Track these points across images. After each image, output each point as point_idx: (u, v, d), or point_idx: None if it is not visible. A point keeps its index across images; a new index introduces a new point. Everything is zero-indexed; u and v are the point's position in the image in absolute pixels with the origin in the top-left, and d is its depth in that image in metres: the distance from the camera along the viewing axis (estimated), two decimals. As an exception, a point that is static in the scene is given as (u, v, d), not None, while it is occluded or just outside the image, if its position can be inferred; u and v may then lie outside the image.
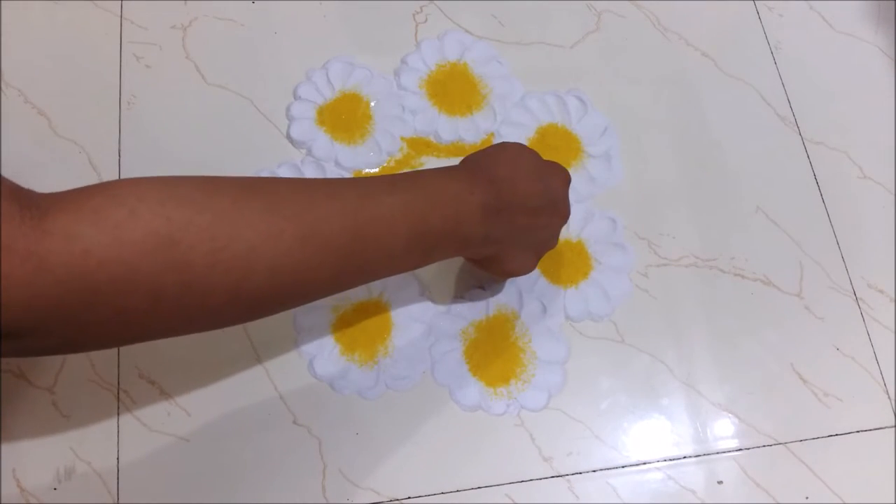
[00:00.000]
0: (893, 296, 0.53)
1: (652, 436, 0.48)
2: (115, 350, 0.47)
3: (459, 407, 0.48)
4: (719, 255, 0.53)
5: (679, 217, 0.54)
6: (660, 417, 0.49)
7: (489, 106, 0.56)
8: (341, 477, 0.46)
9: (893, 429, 0.50)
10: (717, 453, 0.48)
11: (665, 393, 0.49)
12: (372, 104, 0.55)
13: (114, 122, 0.53)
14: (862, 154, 0.57)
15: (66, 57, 0.55)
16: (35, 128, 0.52)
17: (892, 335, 0.52)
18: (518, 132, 0.55)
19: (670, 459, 0.48)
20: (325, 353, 0.48)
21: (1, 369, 0.47)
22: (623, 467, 0.47)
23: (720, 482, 0.48)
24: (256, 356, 0.48)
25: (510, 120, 0.55)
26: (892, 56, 0.61)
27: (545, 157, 0.51)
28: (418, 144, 0.54)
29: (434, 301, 0.50)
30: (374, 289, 0.50)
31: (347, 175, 0.53)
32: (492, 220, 0.40)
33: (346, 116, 0.54)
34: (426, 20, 0.58)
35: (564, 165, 0.54)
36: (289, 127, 0.54)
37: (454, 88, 0.56)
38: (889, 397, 0.51)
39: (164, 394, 0.47)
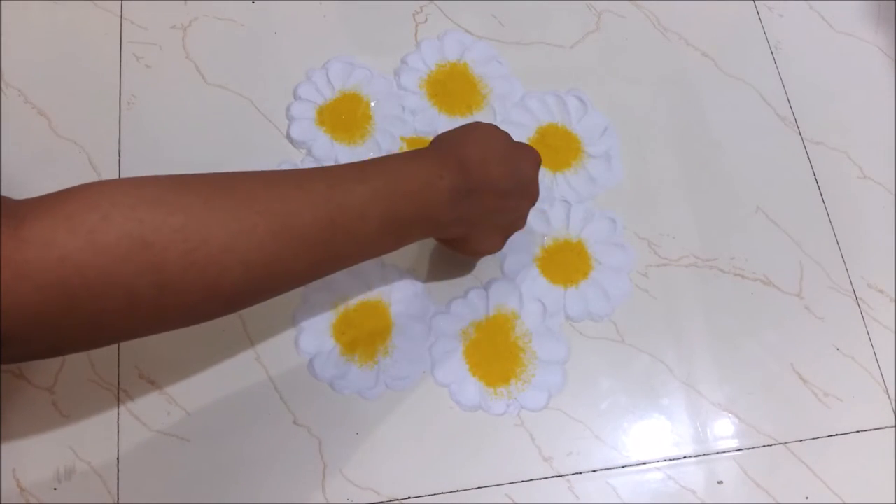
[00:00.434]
0: (893, 296, 0.53)
1: (652, 436, 0.48)
2: (114, 350, 0.47)
3: (459, 407, 0.48)
4: (719, 255, 0.53)
5: (679, 217, 0.54)
6: (660, 417, 0.49)
7: (489, 106, 0.56)
8: (341, 477, 0.46)
9: (893, 429, 0.50)
10: (717, 453, 0.48)
11: (665, 393, 0.49)
12: (372, 104, 0.55)
13: (114, 122, 0.53)
14: (862, 154, 0.57)
15: (66, 57, 0.55)
16: (35, 128, 0.52)
17: (892, 335, 0.52)
18: (518, 132, 0.55)
19: (670, 459, 0.48)
20: (325, 353, 0.48)
21: (1, 369, 0.47)
22: (623, 467, 0.47)
23: (720, 482, 0.48)
24: (256, 356, 0.48)
25: (510, 120, 0.55)
26: (892, 56, 0.61)
27: (545, 158, 0.51)
28: (418, 144, 0.54)
29: (434, 301, 0.50)
30: (374, 289, 0.50)
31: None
32: (461, 203, 0.41)
33: (346, 116, 0.54)
34: (426, 20, 0.58)
35: (564, 165, 0.55)
36: (289, 127, 0.54)
37: (454, 88, 0.56)
38: (889, 397, 0.51)
39: (164, 394, 0.47)
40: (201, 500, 0.45)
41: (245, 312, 0.48)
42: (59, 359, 0.47)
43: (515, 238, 0.48)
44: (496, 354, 0.49)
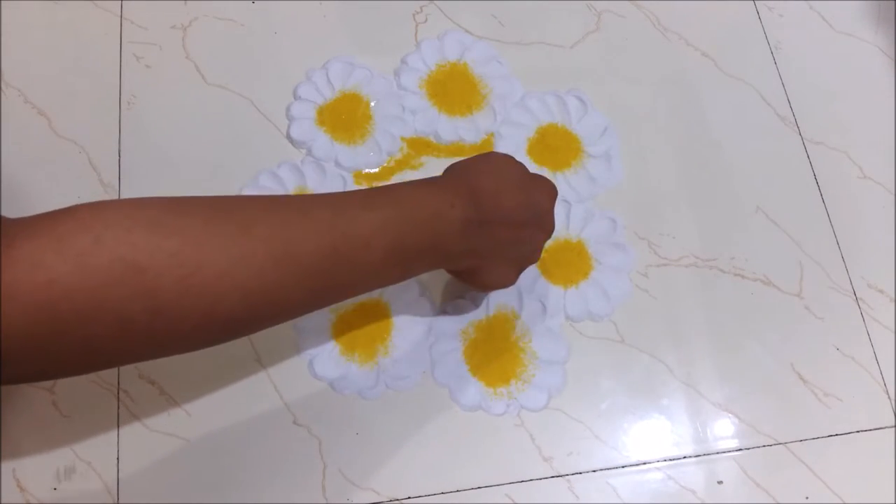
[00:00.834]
0: (893, 296, 0.53)
1: (652, 436, 0.48)
2: (115, 350, 0.47)
3: (459, 407, 0.48)
4: (719, 255, 0.53)
5: (679, 217, 0.54)
6: (660, 417, 0.49)
7: (489, 106, 0.56)
8: (341, 477, 0.46)
9: (893, 429, 0.50)
10: (717, 453, 0.48)
11: (665, 393, 0.49)
12: (372, 104, 0.55)
13: (114, 122, 0.53)
14: (862, 154, 0.57)
15: (66, 57, 0.55)
16: (35, 128, 0.52)
17: (892, 335, 0.52)
18: (518, 132, 0.55)
19: (670, 459, 0.48)
20: (325, 354, 0.48)
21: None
22: (623, 467, 0.47)
23: (720, 482, 0.48)
24: (256, 356, 0.48)
25: (510, 120, 0.55)
26: (892, 56, 0.61)
27: (545, 158, 0.51)
28: (418, 144, 0.54)
29: (434, 301, 0.50)
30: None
31: (347, 175, 0.53)
32: (473, 234, 0.40)
33: (346, 116, 0.54)
34: (426, 20, 0.58)
35: (564, 165, 0.54)
36: (289, 127, 0.54)
37: (454, 88, 0.56)
38: (889, 397, 0.51)
39: (164, 394, 0.47)
40: (201, 500, 0.45)
41: (245, 312, 0.48)
42: (59, 359, 0.47)
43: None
44: (496, 354, 0.49)
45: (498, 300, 0.50)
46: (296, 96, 0.55)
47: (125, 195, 0.51)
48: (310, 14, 0.58)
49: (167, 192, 0.51)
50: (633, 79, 0.58)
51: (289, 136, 0.54)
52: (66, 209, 0.30)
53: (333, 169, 0.53)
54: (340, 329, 0.49)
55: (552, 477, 0.47)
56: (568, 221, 0.53)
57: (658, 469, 0.48)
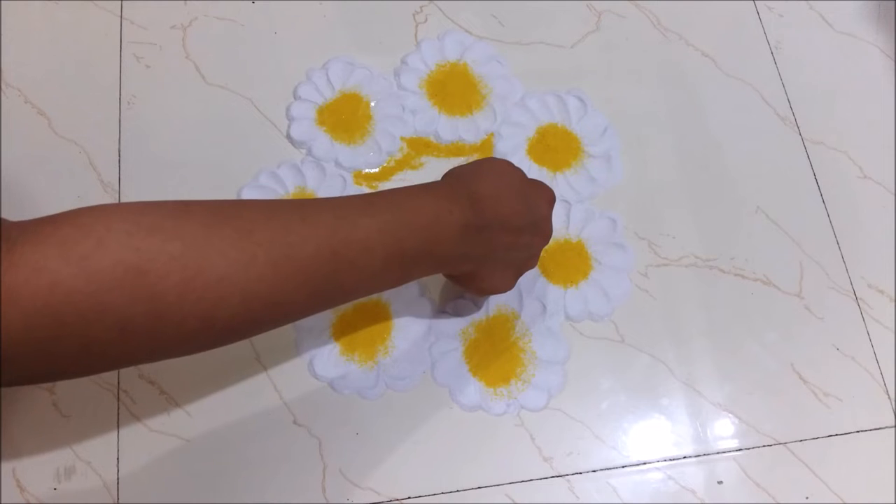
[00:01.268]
0: (893, 296, 0.53)
1: (652, 436, 0.48)
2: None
3: (459, 407, 0.48)
4: (719, 255, 0.53)
5: (679, 217, 0.54)
6: (660, 417, 0.49)
7: (489, 106, 0.56)
8: (341, 477, 0.46)
9: (893, 429, 0.50)
10: (717, 453, 0.48)
11: (665, 393, 0.49)
12: (372, 104, 0.55)
13: (114, 122, 0.53)
14: (862, 154, 0.57)
15: (66, 57, 0.55)
16: (35, 128, 0.52)
17: (892, 335, 0.52)
18: (518, 132, 0.55)
19: (670, 459, 0.48)
20: (325, 354, 0.48)
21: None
22: (623, 467, 0.47)
23: (720, 482, 0.48)
24: (256, 356, 0.48)
25: (510, 120, 0.55)
26: (892, 56, 0.61)
27: (545, 158, 0.51)
28: (418, 144, 0.54)
29: (434, 301, 0.50)
30: (374, 289, 0.50)
31: (347, 175, 0.53)
32: (471, 239, 0.40)
33: (346, 116, 0.54)
34: (426, 20, 0.58)
35: (564, 165, 0.55)
36: (289, 127, 0.54)
37: (454, 88, 0.56)
38: (889, 397, 0.51)
39: (164, 394, 0.47)
40: (201, 500, 0.45)
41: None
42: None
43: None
44: (496, 354, 0.49)
45: (498, 300, 0.50)
46: (296, 96, 0.55)
47: (125, 195, 0.51)
48: (310, 14, 0.58)
49: (167, 191, 0.51)
50: (633, 79, 0.58)
51: (289, 136, 0.54)
52: (68, 213, 0.30)
53: (333, 169, 0.53)
54: (340, 329, 0.49)
55: (552, 477, 0.47)
56: (568, 221, 0.53)
57: (658, 469, 0.48)
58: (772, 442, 0.49)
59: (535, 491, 0.46)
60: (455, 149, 0.55)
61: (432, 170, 0.54)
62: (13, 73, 0.54)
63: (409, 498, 0.46)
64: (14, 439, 0.45)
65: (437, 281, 0.50)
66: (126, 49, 0.55)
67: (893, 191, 0.56)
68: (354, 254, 0.36)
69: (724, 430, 0.49)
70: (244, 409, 0.47)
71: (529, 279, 0.51)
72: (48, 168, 0.51)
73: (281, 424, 0.47)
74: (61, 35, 0.55)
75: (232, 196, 0.51)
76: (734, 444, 0.49)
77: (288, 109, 0.54)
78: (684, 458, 0.48)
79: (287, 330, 0.48)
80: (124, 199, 0.51)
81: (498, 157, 0.54)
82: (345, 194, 0.52)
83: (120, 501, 0.45)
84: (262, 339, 0.48)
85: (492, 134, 0.55)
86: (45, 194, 0.50)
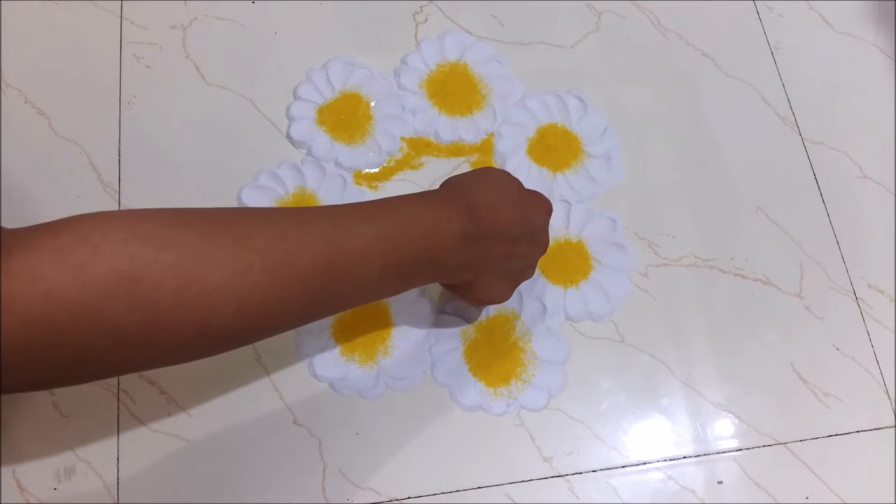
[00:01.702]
0: (893, 296, 0.53)
1: (652, 436, 0.48)
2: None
3: (459, 407, 0.48)
4: (719, 255, 0.53)
5: (679, 217, 0.54)
6: (660, 417, 0.49)
7: (489, 106, 0.56)
8: (341, 477, 0.46)
9: (893, 429, 0.50)
10: (717, 453, 0.48)
11: (665, 393, 0.49)
12: (372, 104, 0.55)
13: (114, 122, 0.53)
14: (862, 154, 0.57)
15: (66, 57, 0.55)
16: (35, 128, 0.52)
17: (892, 335, 0.52)
18: (518, 132, 0.55)
19: (670, 459, 0.48)
20: (325, 354, 0.48)
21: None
22: (623, 467, 0.47)
23: (720, 482, 0.48)
24: (257, 357, 0.48)
25: (510, 120, 0.55)
26: (892, 56, 0.61)
27: (545, 158, 0.51)
28: (418, 144, 0.54)
29: (434, 301, 0.50)
30: (374, 289, 0.50)
31: (347, 175, 0.53)
32: (469, 248, 0.40)
33: (346, 116, 0.54)
34: (426, 20, 0.58)
35: (564, 165, 0.55)
36: (289, 127, 0.54)
37: (454, 88, 0.56)
38: (889, 397, 0.51)
39: (164, 394, 0.47)
40: (201, 500, 0.45)
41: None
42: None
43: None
44: (496, 354, 0.49)
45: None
46: (296, 96, 0.55)
47: (125, 195, 0.51)
48: (310, 14, 0.58)
49: (167, 191, 0.51)
50: (633, 79, 0.58)
51: (289, 136, 0.54)
52: (64, 220, 0.31)
53: (333, 169, 0.53)
54: (340, 329, 0.49)
55: (552, 477, 0.47)
56: (568, 221, 0.53)
57: (658, 469, 0.48)
58: (772, 442, 0.49)
59: (535, 491, 0.46)
60: (455, 149, 0.55)
61: (432, 170, 0.54)
62: (13, 73, 0.54)
63: (409, 498, 0.46)
64: (14, 439, 0.45)
65: (437, 281, 0.51)
66: (126, 49, 0.55)
67: (893, 191, 0.56)
68: (352, 262, 0.36)
69: (724, 430, 0.49)
70: (244, 409, 0.47)
71: (529, 279, 0.50)
72: (48, 168, 0.51)
73: (281, 424, 0.47)
74: (61, 35, 0.55)
75: (232, 196, 0.51)
76: (734, 444, 0.49)
77: (288, 109, 0.54)
78: (684, 458, 0.48)
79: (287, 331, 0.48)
80: (124, 200, 0.51)
81: (498, 156, 0.54)
82: (345, 194, 0.52)
83: (120, 502, 0.45)
84: (262, 341, 0.48)
85: (492, 134, 0.55)
86: (45, 194, 0.50)
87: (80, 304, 0.29)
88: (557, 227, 0.53)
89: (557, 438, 0.48)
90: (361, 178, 0.53)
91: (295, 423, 0.47)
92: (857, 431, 0.50)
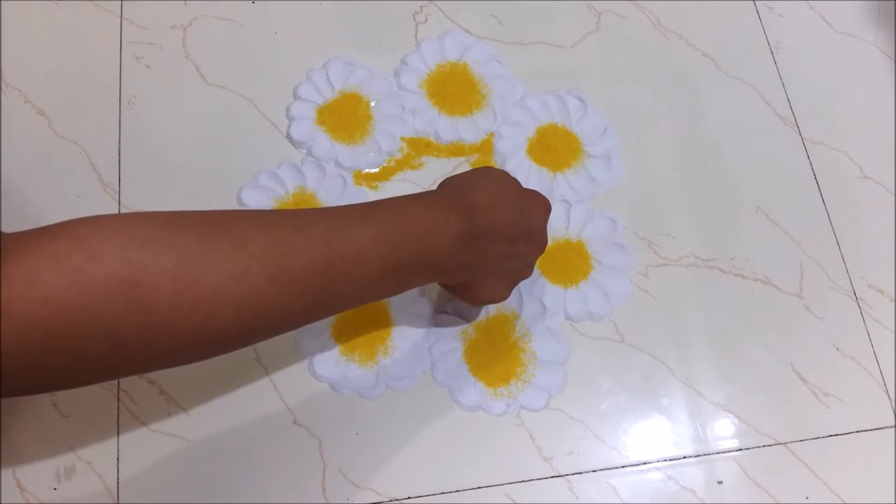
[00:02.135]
0: (893, 296, 0.53)
1: (652, 436, 0.48)
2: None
3: (459, 407, 0.48)
4: (719, 255, 0.53)
5: (679, 217, 0.54)
6: (660, 417, 0.49)
7: (489, 106, 0.56)
8: (341, 477, 0.46)
9: (893, 429, 0.50)
10: (717, 453, 0.48)
11: (665, 393, 0.49)
12: (372, 104, 0.55)
13: (114, 122, 0.53)
14: (862, 154, 0.57)
15: (66, 57, 0.55)
16: (35, 128, 0.52)
17: (892, 335, 0.52)
18: (518, 132, 0.55)
19: (670, 459, 0.48)
20: (325, 354, 0.48)
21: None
22: (623, 467, 0.47)
23: (720, 482, 0.48)
24: (256, 356, 0.48)
25: (510, 120, 0.55)
26: (892, 56, 0.61)
27: (545, 158, 0.51)
28: (418, 144, 0.54)
29: (433, 301, 0.50)
30: (374, 289, 0.50)
31: (347, 175, 0.53)
32: (466, 249, 0.40)
33: (346, 116, 0.54)
34: (426, 20, 0.58)
35: (564, 165, 0.55)
36: (289, 127, 0.54)
37: (454, 88, 0.56)
38: (889, 397, 0.51)
39: (164, 394, 0.47)
40: (201, 500, 0.45)
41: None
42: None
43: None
44: (496, 354, 0.49)
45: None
46: (296, 96, 0.55)
47: (125, 195, 0.51)
48: (310, 14, 0.58)
49: (167, 191, 0.51)
50: (633, 79, 0.58)
51: (289, 136, 0.54)
52: (62, 224, 0.31)
53: (333, 169, 0.53)
54: (340, 329, 0.49)
55: (552, 477, 0.47)
56: (568, 221, 0.53)
57: (658, 469, 0.48)
58: (772, 442, 0.49)
59: (535, 491, 0.46)
60: (455, 149, 0.55)
61: (432, 170, 0.54)
62: (13, 73, 0.54)
63: (409, 498, 0.46)
64: (14, 439, 0.45)
65: (437, 281, 0.50)
66: (126, 49, 0.55)
67: (893, 191, 0.56)
68: (350, 264, 0.36)
69: (724, 430, 0.49)
70: (244, 409, 0.47)
71: (529, 279, 0.50)
72: (48, 168, 0.51)
73: (281, 424, 0.47)
74: (61, 35, 0.55)
75: (232, 196, 0.51)
76: (734, 444, 0.49)
77: (288, 109, 0.54)
78: (684, 458, 0.48)
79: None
80: (124, 199, 0.51)
81: (498, 156, 0.54)
82: (345, 194, 0.52)
83: (120, 501, 0.45)
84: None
85: (492, 134, 0.55)
86: (45, 194, 0.50)
87: (78, 309, 0.29)
88: (557, 227, 0.53)
89: (557, 438, 0.48)
90: (361, 178, 0.53)
91: (295, 423, 0.47)
92: (857, 431, 0.50)
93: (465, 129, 0.55)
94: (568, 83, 0.57)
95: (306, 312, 0.37)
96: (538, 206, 0.44)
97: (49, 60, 0.54)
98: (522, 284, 0.50)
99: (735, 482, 0.48)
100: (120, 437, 0.46)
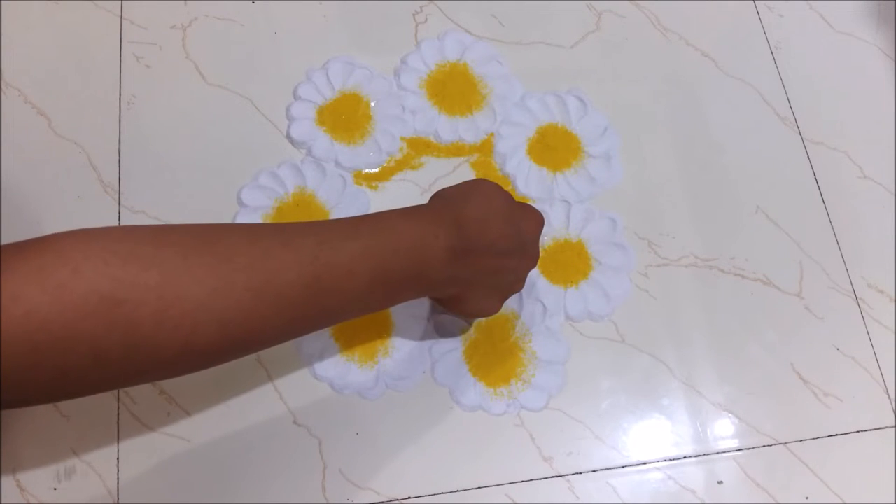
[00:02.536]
0: (893, 296, 0.53)
1: (652, 436, 0.48)
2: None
3: (459, 407, 0.48)
4: (719, 255, 0.53)
5: (679, 217, 0.54)
6: (660, 417, 0.49)
7: (489, 106, 0.56)
8: (341, 477, 0.46)
9: (893, 429, 0.50)
10: (717, 453, 0.48)
11: (665, 393, 0.49)
12: (372, 104, 0.55)
13: (114, 122, 0.53)
14: (862, 154, 0.57)
15: (66, 57, 0.55)
16: (35, 128, 0.52)
17: (892, 335, 0.52)
18: (518, 132, 0.55)
19: (670, 459, 0.48)
20: (325, 354, 0.48)
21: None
22: (623, 467, 0.47)
23: (720, 482, 0.48)
24: (256, 357, 0.48)
25: (510, 120, 0.55)
26: (892, 56, 0.61)
27: (545, 158, 0.51)
28: (418, 144, 0.54)
29: (434, 301, 0.50)
30: (374, 289, 0.50)
31: (347, 175, 0.53)
32: (457, 263, 0.40)
33: (346, 116, 0.54)
34: (426, 20, 0.58)
35: (564, 165, 0.55)
36: (289, 127, 0.54)
37: (454, 88, 0.56)
38: (889, 397, 0.51)
39: (164, 394, 0.47)
40: (201, 500, 0.45)
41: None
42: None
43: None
44: (496, 354, 0.49)
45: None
46: (296, 96, 0.55)
47: (125, 195, 0.51)
48: (310, 14, 0.58)
49: (167, 191, 0.51)
50: (633, 79, 0.58)
51: (289, 136, 0.54)
52: (48, 238, 0.30)
53: (333, 169, 0.53)
54: (341, 329, 0.49)
55: (552, 477, 0.47)
56: (568, 221, 0.53)
57: (658, 469, 0.48)
58: (772, 442, 0.49)
59: (535, 491, 0.46)
60: (455, 149, 0.55)
61: (432, 170, 0.54)
62: (13, 73, 0.54)
63: (409, 498, 0.46)
64: (14, 439, 0.45)
65: (437, 281, 0.50)
66: (126, 49, 0.55)
67: (893, 191, 0.56)
68: (337, 279, 0.36)
69: (724, 430, 0.49)
70: (244, 409, 0.47)
71: (529, 280, 0.50)
72: (48, 168, 0.51)
73: (281, 424, 0.47)
74: (61, 35, 0.55)
75: (232, 196, 0.51)
76: (734, 444, 0.49)
77: (288, 109, 0.54)
78: (684, 458, 0.48)
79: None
80: (124, 200, 0.51)
81: (498, 156, 0.54)
82: (345, 194, 0.52)
83: (120, 501, 0.45)
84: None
85: (492, 134, 0.55)
86: (45, 194, 0.50)
87: (61, 325, 0.29)
88: (557, 227, 0.53)
89: (557, 438, 0.48)
90: (361, 178, 0.53)
91: (295, 423, 0.47)
92: (857, 431, 0.50)
93: (465, 129, 0.55)
94: (568, 83, 0.57)
95: (293, 327, 0.37)
96: (531, 219, 0.44)
97: (49, 60, 0.54)
98: (522, 284, 0.50)
99: (735, 482, 0.48)
100: (120, 438, 0.46)
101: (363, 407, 0.47)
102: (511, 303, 0.50)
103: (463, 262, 0.40)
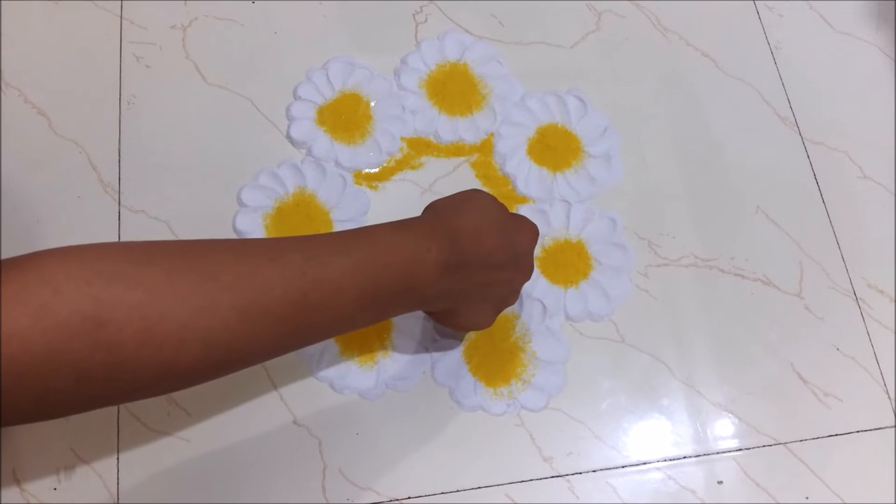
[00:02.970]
0: (893, 296, 0.53)
1: (652, 436, 0.48)
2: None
3: (459, 407, 0.48)
4: (719, 255, 0.53)
5: (679, 217, 0.54)
6: (660, 417, 0.49)
7: (489, 106, 0.56)
8: (341, 477, 0.46)
9: (893, 429, 0.50)
10: (717, 453, 0.48)
11: (665, 393, 0.49)
12: (372, 104, 0.55)
13: (114, 122, 0.53)
14: (862, 154, 0.57)
15: (66, 57, 0.55)
16: (35, 128, 0.52)
17: (892, 335, 0.52)
18: (518, 132, 0.55)
19: (670, 459, 0.48)
20: (325, 354, 0.48)
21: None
22: (623, 467, 0.47)
23: (720, 482, 0.48)
24: (256, 356, 0.48)
25: (510, 120, 0.55)
26: (892, 56, 0.61)
27: (545, 158, 0.50)
28: (418, 144, 0.54)
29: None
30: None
31: (347, 175, 0.53)
32: (449, 277, 0.39)
33: (346, 116, 0.54)
34: (426, 20, 0.58)
35: (564, 165, 0.55)
36: (289, 127, 0.54)
37: (454, 88, 0.56)
38: (889, 397, 0.51)
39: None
40: (201, 500, 0.45)
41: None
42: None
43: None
44: (496, 354, 0.49)
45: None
46: (296, 96, 0.55)
47: (125, 195, 0.51)
48: (310, 14, 0.58)
49: (167, 191, 0.51)
50: (633, 79, 0.58)
51: (289, 136, 0.54)
52: (32, 256, 0.30)
53: (333, 169, 0.53)
54: (340, 329, 0.49)
55: (552, 477, 0.47)
56: (568, 221, 0.53)
57: (658, 469, 0.48)
58: (772, 442, 0.49)
59: (535, 491, 0.46)
60: (455, 149, 0.55)
61: (432, 170, 0.54)
62: (13, 73, 0.54)
63: (409, 498, 0.46)
64: (14, 439, 0.45)
65: (437, 281, 0.50)
66: (126, 49, 0.55)
67: (893, 191, 0.56)
68: (325, 295, 0.35)
69: (724, 430, 0.49)
70: (244, 409, 0.47)
71: (530, 280, 0.50)
72: (48, 168, 0.51)
73: (281, 424, 0.47)
74: (61, 35, 0.55)
75: (232, 196, 0.51)
76: (734, 444, 0.49)
77: (288, 109, 0.54)
78: (684, 458, 0.48)
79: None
80: (124, 200, 0.51)
81: (498, 156, 0.54)
82: (345, 194, 0.52)
83: (120, 502, 0.45)
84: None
85: (492, 134, 0.55)
86: (45, 194, 0.50)
87: (43, 346, 0.28)
88: (557, 227, 0.53)
89: (557, 438, 0.48)
90: (361, 178, 0.53)
91: (295, 423, 0.47)
92: (857, 431, 0.50)
93: (465, 129, 0.55)
94: (568, 83, 0.57)
95: (279, 345, 0.36)
96: (525, 231, 0.43)
97: (49, 60, 0.54)
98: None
99: (735, 482, 0.48)
100: (120, 438, 0.46)
101: (363, 407, 0.47)
102: (511, 303, 0.50)
103: (456, 276, 0.39)
